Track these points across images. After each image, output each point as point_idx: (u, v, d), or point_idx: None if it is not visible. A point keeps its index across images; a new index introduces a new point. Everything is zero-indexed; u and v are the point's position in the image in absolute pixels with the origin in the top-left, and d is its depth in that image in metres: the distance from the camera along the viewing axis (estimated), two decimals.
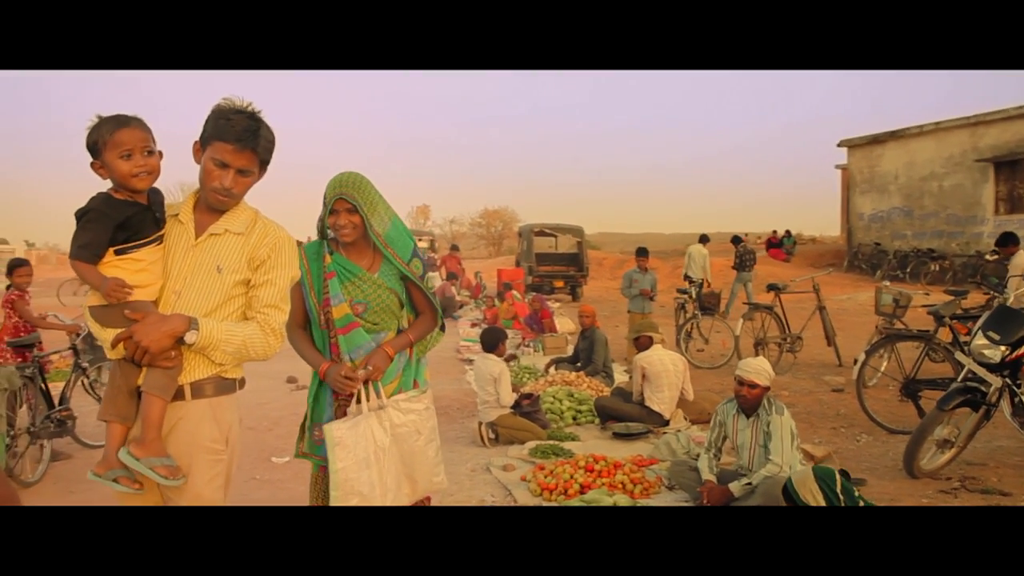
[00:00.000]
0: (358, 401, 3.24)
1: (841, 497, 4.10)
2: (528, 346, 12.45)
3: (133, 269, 2.55)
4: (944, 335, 7.44)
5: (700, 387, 8.53)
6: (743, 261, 16.96)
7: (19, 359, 6.81)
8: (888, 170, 27.36)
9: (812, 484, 3.81)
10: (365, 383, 3.23)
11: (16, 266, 7.36)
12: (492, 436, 6.85)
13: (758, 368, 5.00)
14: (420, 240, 31.03)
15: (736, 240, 17.77)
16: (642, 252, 12.03)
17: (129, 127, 2.54)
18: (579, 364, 9.76)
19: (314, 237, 3.49)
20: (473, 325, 15.53)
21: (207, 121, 2.64)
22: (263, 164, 2.72)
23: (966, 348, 6.13)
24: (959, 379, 5.94)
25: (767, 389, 5.02)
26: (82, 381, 7.29)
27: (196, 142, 2.65)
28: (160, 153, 2.62)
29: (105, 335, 2.55)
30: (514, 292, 15.38)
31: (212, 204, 2.68)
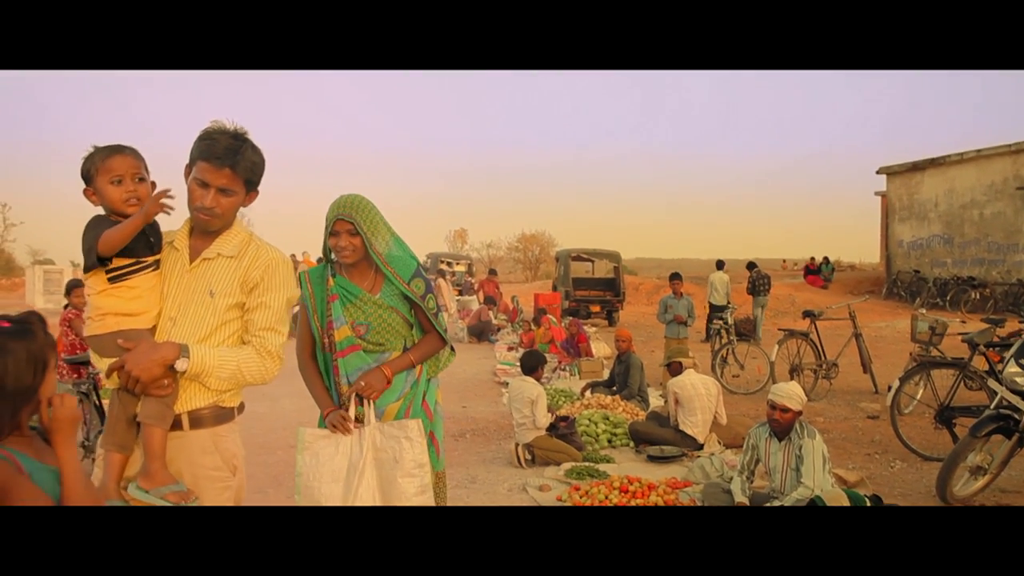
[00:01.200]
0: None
1: None
2: (564, 370, 12.58)
3: (128, 297, 2.55)
4: (979, 363, 7.46)
5: (735, 412, 8.60)
6: (756, 286, 17.56)
7: (75, 376, 7.12)
8: (928, 197, 27.15)
9: (845, 504, 3.89)
10: (360, 400, 3.25)
11: (74, 286, 7.71)
12: (528, 457, 7.00)
13: (790, 393, 5.11)
14: (458, 264, 31.49)
15: (751, 266, 18.42)
16: (676, 277, 12.15)
17: (121, 154, 2.56)
18: (615, 388, 9.87)
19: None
20: (510, 349, 15.69)
21: (193, 144, 2.65)
22: (248, 184, 2.69)
23: (1000, 376, 6.18)
24: (992, 406, 5.99)
25: (799, 413, 5.12)
26: None
27: (186, 166, 2.66)
28: (153, 183, 2.62)
29: (102, 364, 2.55)
30: (550, 316, 15.52)
31: (198, 225, 2.68)
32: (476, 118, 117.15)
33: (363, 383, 3.24)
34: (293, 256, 32.13)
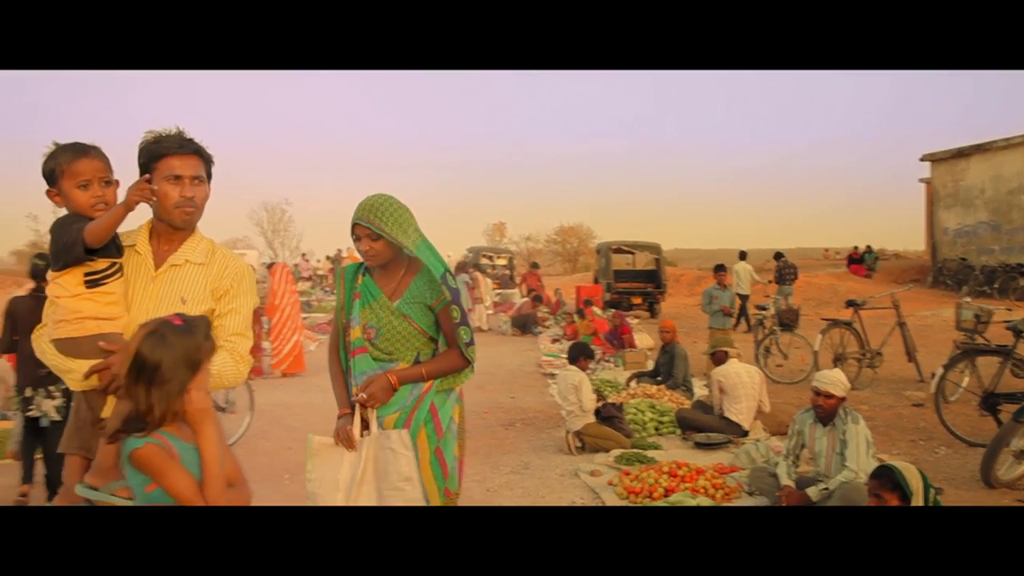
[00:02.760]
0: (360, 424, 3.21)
1: (932, 491, 4.23)
2: (608, 361, 12.79)
3: (104, 301, 2.52)
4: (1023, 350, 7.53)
5: (779, 401, 8.75)
6: (783, 275, 18.15)
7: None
8: (974, 184, 26.78)
9: (917, 474, 4.02)
10: (364, 408, 3.18)
11: None
12: (579, 445, 7.24)
13: (834, 379, 5.27)
14: (499, 257, 31.70)
15: (778, 256, 19.07)
16: (720, 268, 12.32)
17: (88, 157, 2.52)
18: (659, 378, 10.06)
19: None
20: (554, 341, 15.95)
21: (140, 155, 2.64)
22: (207, 172, 2.71)
23: None
24: None
25: (843, 399, 5.28)
26: None
27: (141, 180, 2.57)
28: (117, 182, 2.60)
29: (73, 365, 2.49)
30: (595, 308, 15.73)
31: (178, 223, 2.65)
32: (509, 113, 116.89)
33: (364, 395, 3.16)
34: (339, 251, 32.65)
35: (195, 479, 2.19)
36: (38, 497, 5.45)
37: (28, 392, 5.37)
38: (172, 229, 2.69)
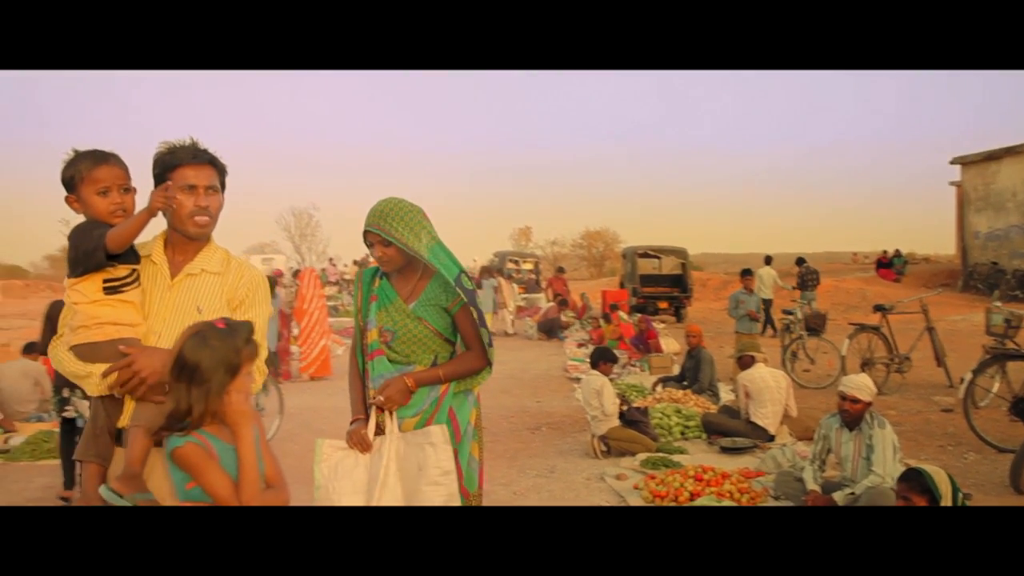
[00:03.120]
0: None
1: (960, 495, 4.24)
2: (634, 366, 12.79)
3: (122, 308, 2.53)
4: None
5: (805, 406, 8.71)
6: (805, 281, 18.03)
7: None
8: (1005, 187, 26.41)
9: (946, 478, 4.04)
10: (380, 410, 3.16)
11: None
12: (604, 449, 7.27)
13: (860, 384, 5.27)
14: (525, 262, 31.76)
15: (800, 261, 18.97)
16: (747, 272, 12.31)
17: (108, 164, 2.54)
18: (685, 383, 10.06)
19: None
20: (580, 345, 15.97)
21: (155, 166, 2.64)
22: (221, 182, 2.73)
23: None
24: None
25: (869, 404, 5.28)
26: None
27: (157, 191, 2.56)
28: (135, 189, 2.62)
29: (92, 369, 2.48)
30: (621, 313, 15.73)
31: (192, 233, 2.65)
32: (534, 116, 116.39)
33: (382, 398, 3.14)
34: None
35: (232, 480, 2.26)
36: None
37: (65, 393, 5.50)
38: (187, 239, 2.69)
